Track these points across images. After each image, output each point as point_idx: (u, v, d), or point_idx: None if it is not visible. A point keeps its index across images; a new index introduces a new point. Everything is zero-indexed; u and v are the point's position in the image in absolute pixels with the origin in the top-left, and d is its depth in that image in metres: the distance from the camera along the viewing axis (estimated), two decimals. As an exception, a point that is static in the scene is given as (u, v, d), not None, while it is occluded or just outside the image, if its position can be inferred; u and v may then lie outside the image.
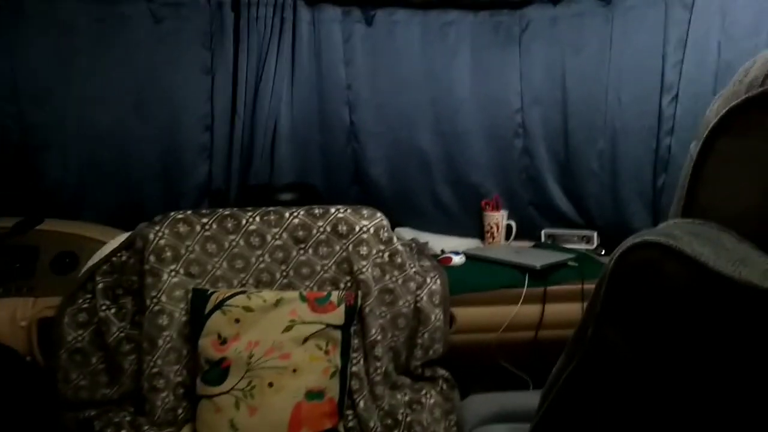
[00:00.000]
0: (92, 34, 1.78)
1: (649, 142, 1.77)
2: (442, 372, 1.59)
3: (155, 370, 1.38)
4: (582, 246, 1.94)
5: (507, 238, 2.03)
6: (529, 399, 1.18)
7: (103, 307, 1.42)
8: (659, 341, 0.44)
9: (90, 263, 1.48)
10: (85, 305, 1.43)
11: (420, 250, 1.69)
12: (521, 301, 1.60)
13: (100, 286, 1.43)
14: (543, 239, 2.03)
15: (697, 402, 0.43)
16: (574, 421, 0.55)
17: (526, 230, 2.05)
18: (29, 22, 1.73)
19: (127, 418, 1.38)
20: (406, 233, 1.94)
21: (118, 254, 1.46)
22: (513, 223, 2.03)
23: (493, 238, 2.00)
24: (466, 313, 1.62)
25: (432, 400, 1.52)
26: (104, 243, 1.53)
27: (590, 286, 1.60)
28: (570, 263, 1.71)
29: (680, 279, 0.41)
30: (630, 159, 1.83)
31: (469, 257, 1.77)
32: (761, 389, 0.39)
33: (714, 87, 1.59)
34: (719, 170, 0.46)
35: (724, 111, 0.44)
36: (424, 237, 1.92)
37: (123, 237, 1.51)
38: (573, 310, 1.60)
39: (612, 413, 0.50)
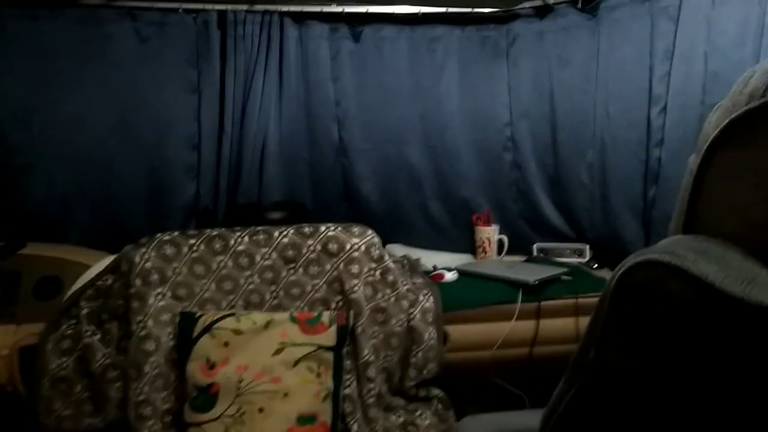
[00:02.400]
0: (76, 54, 1.76)
1: (638, 154, 1.77)
2: (436, 392, 1.56)
3: (142, 397, 1.34)
4: (574, 259, 1.93)
5: (499, 252, 2.01)
6: (527, 419, 1.16)
7: (88, 333, 1.38)
8: (665, 362, 0.42)
9: (74, 288, 1.44)
10: (69, 331, 1.40)
11: (412, 267, 1.66)
12: (515, 317, 1.58)
13: (85, 311, 1.40)
14: (535, 253, 2.02)
15: (703, 420, 0.41)
16: None
17: (517, 244, 2.04)
18: (12, 42, 1.71)
19: (114, 448, 1.34)
20: (397, 250, 1.92)
21: (103, 278, 1.42)
22: (505, 238, 2.01)
23: (485, 253, 1.98)
24: (460, 331, 1.59)
25: (427, 422, 1.49)
26: (89, 266, 1.50)
27: (584, 301, 1.60)
28: (563, 277, 1.69)
29: (686, 299, 0.39)
30: (620, 171, 1.83)
31: (462, 273, 1.75)
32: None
33: (702, 98, 1.59)
34: (720, 183, 0.45)
35: (724, 123, 0.43)
36: (415, 253, 1.90)
37: (108, 260, 1.48)
38: (567, 325, 1.59)
39: None
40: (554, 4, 1.92)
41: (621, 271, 0.44)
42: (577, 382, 0.51)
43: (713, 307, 0.38)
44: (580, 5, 1.88)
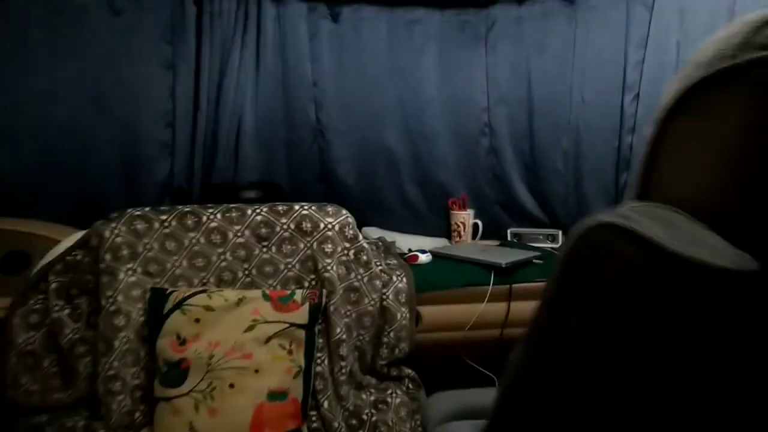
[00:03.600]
0: (48, 26, 1.71)
1: (611, 141, 1.80)
2: (408, 371, 1.58)
3: (111, 372, 1.33)
4: (547, 244, 1.96)
5: (474, 237, 2.03)
6: (493, 396, 1.19)
7: (56, 308, 1.36)
8: (614, 324, 0.43)
9: (43, 262, 1.42)
10: (37, 306, 1.38)
11: (386, 248, 1.67)
12: (487, 298, 1.60)
13: (54, 285, 1.38)
14: (509, 238, 2.04)
15: (655, 386, 0.42)
16: (530, 412, 0.55)
17: (492, 229, 2.06)
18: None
19: (82, 423, 1.33)
20: (374, 233, 1.93)
21: (73, 253, 1.40)
22: (479, 222, 2.03)
23: (460, 237, 2.00)
24: (432, 312, 1.61)
25: (398, 400, 1.51)
26: (58, 242, 1.47)
27: (555, 284, 1.62)
28: (535, 261, 1.72)
29: (635, 260, 0.40)
30: (593, 158, 1.86)
31: (436, 255, 1.77)
32: (717, 370, 0.39)
33: (674, 86, 1.61)
34: (673, 152, 0.46)
35: (678, 92, 0.44)
36: (391, 236, 1.91)
37: (78, 235, 1.46)
38: (538, 307, 1.61)
39: (569, 403, 0.48)
40: (533, -10, 1.93)
41: (575, 234, 0.45)
42: (531, 347, 0.52)
43: (661, 267, 0.38)
44: (558, -8, 1.89)
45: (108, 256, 1.36)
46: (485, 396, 1.19)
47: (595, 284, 0.44)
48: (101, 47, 1.76)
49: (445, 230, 2.07)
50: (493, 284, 1.61)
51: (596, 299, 0.44)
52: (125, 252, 1.39)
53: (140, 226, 1.42)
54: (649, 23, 1.66)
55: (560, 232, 1.97)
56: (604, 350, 0.44)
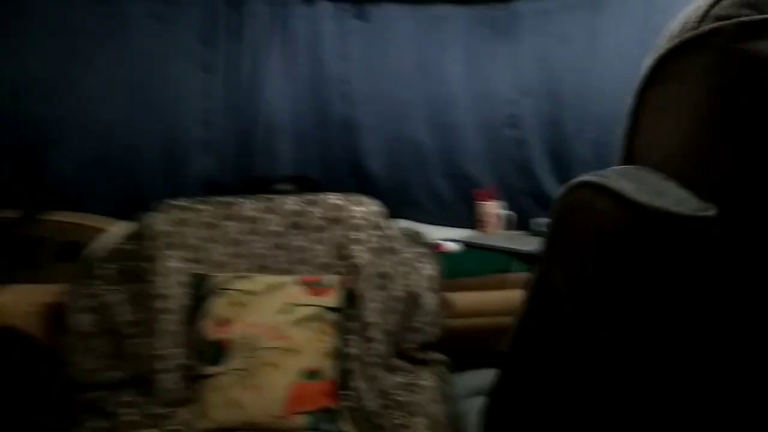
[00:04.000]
0: (95, 33, 1.84)
1: (638, 130, 1.81)
2: (437, 356, 1.63)
3: (159, 352, 1.43)
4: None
5: (502, 227, 2.06)
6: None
7: (109, 293, 1.47)
8: (592, 273, 0.46)
9: (96, 250, 1.53)
10: (92, 291, 1.48)
11: (414, 236, 1.73)
12: (514, 285, 1.64)
13: (106, 272, 1.48)
14: (534, 228, 2.06)
15: (640, 343, 0.44)
16: (530, 369, 0.57)
17: (520, 220, 2.09)
18: (36, 21, 1.79)
19: (133, 399, 1.43)
20: (403, 225, 1.98)
21: (122, 242, 1.51)
22: (508, 212, 2.06)
23: (488, 227, 2.04)
24: (459, 298, 1.65)
25: (428, 383, 1.55)
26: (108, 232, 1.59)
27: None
28: (561, 248, 1.74)
29: (606, 212, 0.43)
30: (620, 147, 1.87)
31: (464, 244, 1.81)
32: (685, 310, 0.42)
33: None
34: (651, 119, 0.49)
35: (652, 62, 0.48)
36: (420, 228, 1.95)
37: (126, 225, 1.56)
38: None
39: (564, 361, 0.52)
40: (558, -17, 1.96)
41: (559, 193, 0.49)
42: (527, 303, 0.55)
43: (627, 217, 0.42)
44: (582, -17, 1.92)
45: (155, 244, 1.47)
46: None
47: (574, 237, 0.48)
48: (143, 51, 1.88)
49: (473, 222, 2.11)
50: (520, 271, 1.65)
51: (575, 251, 0.48)
52: (170, 240, 1.48)
53: (184, 216, 1.52)
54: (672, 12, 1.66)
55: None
56: (586, 299, 0.47)
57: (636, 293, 0.43)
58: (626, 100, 1.62)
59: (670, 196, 0.41)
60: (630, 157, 0.52)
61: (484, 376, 1.25)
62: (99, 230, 1.60)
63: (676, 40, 0.45)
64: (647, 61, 0.49)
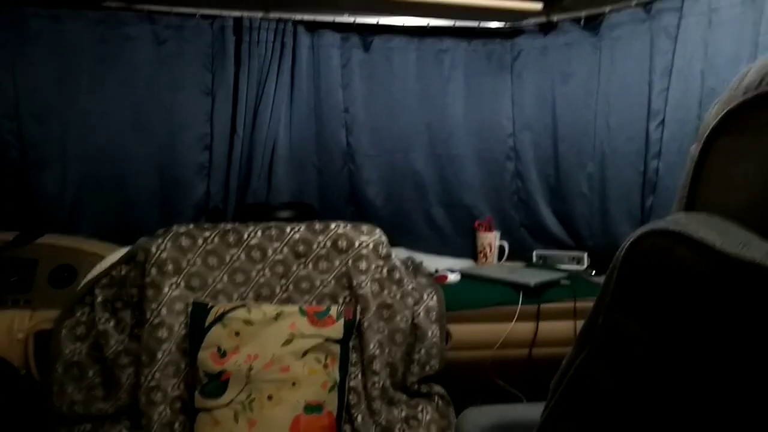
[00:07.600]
0: (95, 54, 1.82)
1: (637, 166, 1.83)
2: (437, 388, 1.60)
3: (153, 383, 1.38)
4: (573, 266, 1.98)
5: (500, 258, 2.06)
6: (527, 410, 1.20)
7: (102, 320, 1.42)
8: (672, 325, 0.45)
9: (89, 276, 1.48)
10: (84, 318, 1.43)
11: (416, 267, 1.71)
12: (515, 318, 1.63)
13: (99, 299, 1.44)
14: (534, 260, 2.07)
15: (711, 385, 0.43)
16: (585, 412, 0.55)
17: (517, 251, 2.10)
18: (33, 40, 1.76)
19: (123, 433, 1.37)
20: (401, 253, 1.96)
21: (118, 267, 1.47)
22: (505, 244, 2.07)
23: (486, 258, 2.03)
24: (461, 330, 1.63)
25: (428, 416, 1.52)
26: (103, 257, 1.54)
27: (582, 304, 1.64)
28: (563, 282, 1.74)
29: (689, 262, 0.42)
30: (619, 182, 1.89)
31: (465, 275, 1.80)
32: None
33: (698, 112, 1.65)
34: (719, 167, 0.49)
35: (722, 113, 0.48)
36: (418, 257, 1.95)
37: (123, 251, 1.52)
38: (566, 327, 1.63)
39: (624, 403, 0.50)
40: (558, 21, 2.00)
41: (630, 241, 0.47)
42: (587, 347, 0.53)
43: (715, 268, 0.41)
44: (582, 23, 1.96)
45: (154, 271, 1.42)
46: (519, 411, 1.22)
47: (651, 288, 0.46)
48: (145, 74, 1.86)
49: (471, 252, 2.11)
50: (521, 304, 1.64)
51: (653, 302, 0.46)
52: (170, 267, 1.44)
53: (185, 242, 1.48)
54: (673, 53, 1.70)
55: (585, 254, 1.99)
56: (668, 351, 0.45)
57: (728, 345, 0.42)
58: (627, 135, 1.63)
59: (758, 247, 0.40)
60: (693, 201, 0.51)
61: (492, 413, 1.23)
62: (94, 255, 1.55)
63: (749, 94, 0.45)
64: (714, 111, 0.49)
